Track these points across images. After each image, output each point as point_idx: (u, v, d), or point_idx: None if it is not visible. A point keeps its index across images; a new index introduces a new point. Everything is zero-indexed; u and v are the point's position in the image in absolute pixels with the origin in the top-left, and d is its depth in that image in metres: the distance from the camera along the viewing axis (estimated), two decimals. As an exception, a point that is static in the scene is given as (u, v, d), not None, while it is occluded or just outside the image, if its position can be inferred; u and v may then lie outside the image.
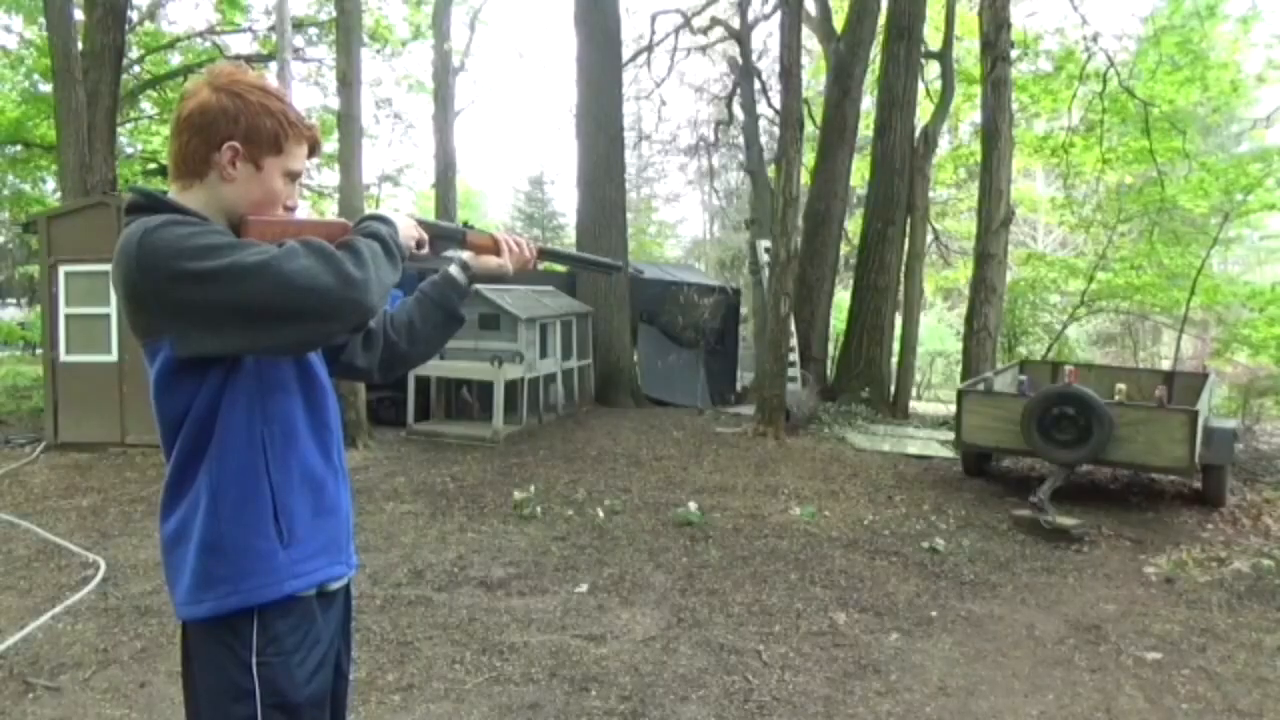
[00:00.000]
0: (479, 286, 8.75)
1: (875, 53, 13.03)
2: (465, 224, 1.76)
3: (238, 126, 1.40)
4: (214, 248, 1.28)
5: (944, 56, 12.81)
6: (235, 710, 1.39)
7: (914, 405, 12.96)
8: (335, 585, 1.56)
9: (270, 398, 1.43)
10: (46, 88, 13.37)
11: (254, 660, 1.39)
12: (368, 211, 1.56)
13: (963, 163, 19.03)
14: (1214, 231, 13.15)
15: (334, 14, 10.20)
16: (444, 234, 1.70)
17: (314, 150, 1.53)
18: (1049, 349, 14.96)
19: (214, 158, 1.41)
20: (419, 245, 1.62)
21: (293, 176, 1.50)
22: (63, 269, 7.89)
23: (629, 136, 16.83)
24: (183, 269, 1.26)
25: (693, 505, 5.90)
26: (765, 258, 10.85)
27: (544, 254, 1.92)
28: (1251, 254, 24.64)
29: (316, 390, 1.52)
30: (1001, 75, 10.91)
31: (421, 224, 1.63)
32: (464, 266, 1.72)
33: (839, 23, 13.10)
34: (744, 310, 16.06)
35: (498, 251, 1.75)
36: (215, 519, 1.38)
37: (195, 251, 1.26)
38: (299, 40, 15.86)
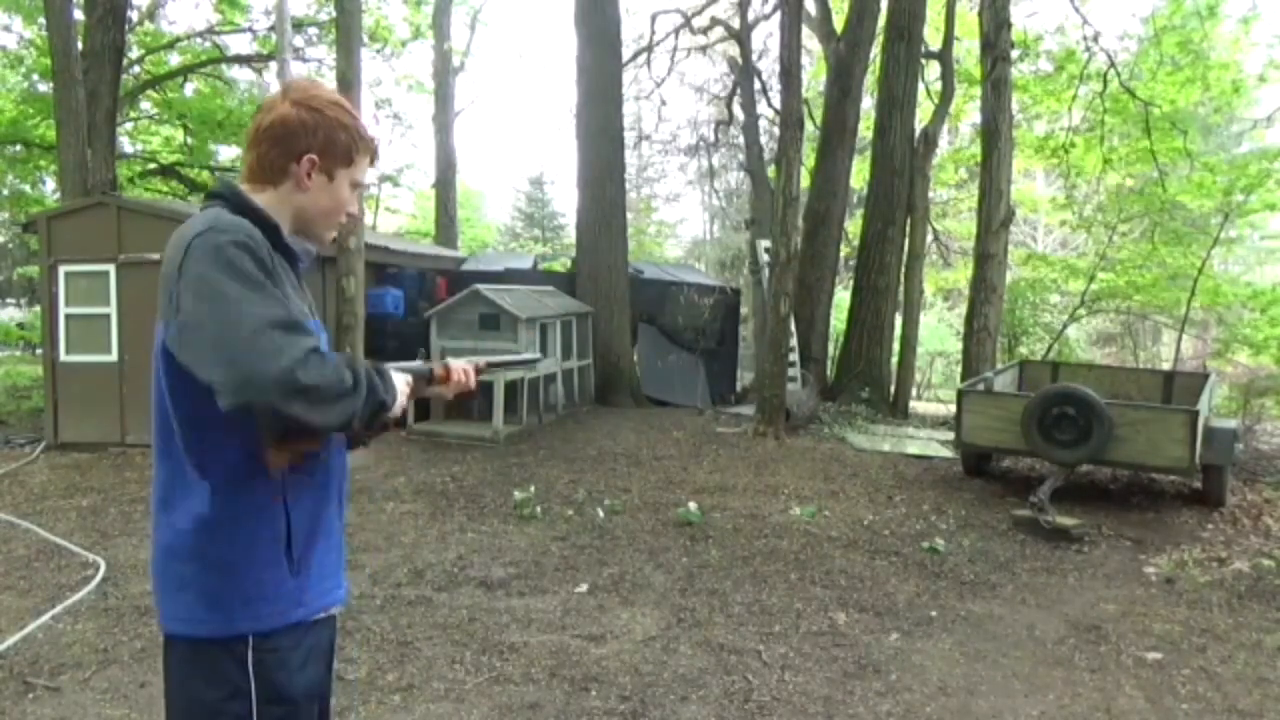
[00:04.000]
0: (479, 287, 8.79)
1: (875, 53, 13.02)
2: (433, 360, 1.68)
3: (316, 139, 1.48)
4: (245, 276, 1.29)
5: (944, 56, 12.80)
6: (230, 707, 1.40)
7: (914, 405, 12.95)
8: (334, 610, 1.57)
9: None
10: (46, 87, 13.38)
11: (250, 656, 1.40)
12: (408, 365, 1.54)
13: (963, 163, 19.03)
14: (1215, 231, 13.15)
15: (334, 14, 10.20)
16: (418, 376, 1.60)
17: (374, 160, 1.60)
18: (1049, 349, 14.95)
19: (292, 168, 1.48)
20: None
21: (356, 186, 1.57)
22: (63, 269, 7.89)
23: (629, 136, 16.84)
24: (207, 275, 1.28)
25: (693, 505, 5.90)
26: (765, 258, 10.85)
27: (486, 368, 1.79)
28: (1252, 254, 24.63)
29: None
30: (1002, 75, 10.92)
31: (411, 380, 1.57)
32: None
33: (839, 23, 13.09)
34: (744, 310, 16.04)
35: (447, 380, 1.65)
36: (229, 542, 1.38)
37: (230, 268, 1.28)
38: (299, 40, 15.85)
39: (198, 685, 1.42)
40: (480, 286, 8.76)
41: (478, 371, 1.71)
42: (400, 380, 1.49)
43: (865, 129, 13.78)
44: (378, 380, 1.38)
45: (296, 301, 1.43)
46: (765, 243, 11.07)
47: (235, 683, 1.40)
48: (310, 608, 1.48)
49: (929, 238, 15.26)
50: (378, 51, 17.85)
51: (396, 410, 1.45)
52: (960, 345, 12.58)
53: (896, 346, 12.42)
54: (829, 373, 12.53)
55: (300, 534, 1.45)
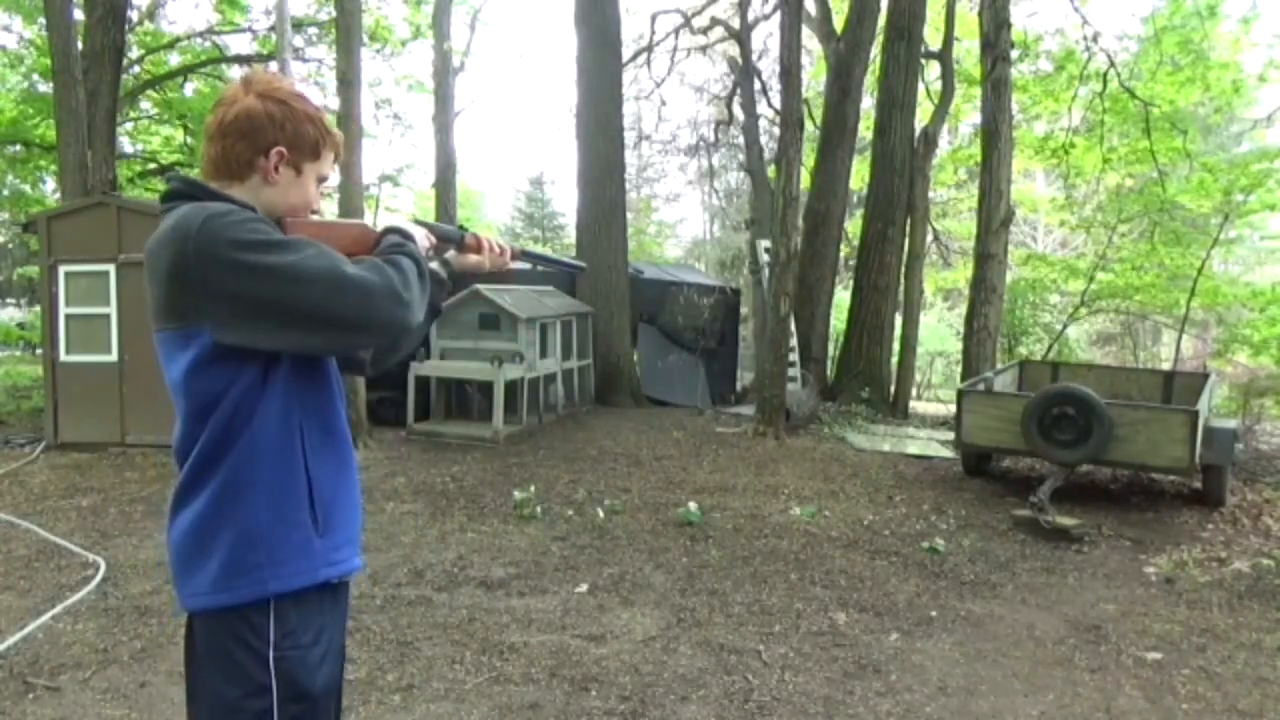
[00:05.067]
0: (479, 287, 8.78)
1: (875, 53, 13.03)
2: (461, 226, 1.80)
3: (284, 133, 1.47)
4: (275, 243, 1.33)
5: (944, 56, 12.80)
6: (250, 704, 1.40)
7: (914, 405, 12.95)
8: (353, 576, 1.60)
9: (309, 388, 1.47)
10: (46, 87, 13.37)
11: (271, 654, 1.40)
12: (391, 224, 1.60)
13: (963, 163, 19.02)
14: (1215, 232, 13.15)
15: (334, 14, 10.20)
16: (445, 237, 1.74)
17: (337, 156, 1.60)
18: (1049, 349, 14.96)
19: (259, 162, 1.47)
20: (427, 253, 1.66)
21: (321, 181, 1.59)
22: (63, 269, 7.89)
23: (629, 136, 16.83)
24: (242, 260, 1.30)
25: (693, 505, 5.90)
26: (765, 258, 10.85)
27: (521, 255, 1.95)
28: (1252, 254, 24.63)
29: (339, 384, 1.58)
30: (1001, 75, 10.91)
31: (428, 229, 1.68)
32: (445, 264, 1.74)
33: (839, 23, 13.09)
34: (744, 310, 16.05)
35: (479, 250, 1.78)
36: (253, 507, 1.40)
37: (256, 245, 1.31)
38: (299, 40, 15.85)
39: (219, 661, 1.41)
40: (480, 286, 8.76)
41: (513, 254, 1.83)
42: (419, 232, 1.61)
43: (865, 129, 13.78)
44: (411, 246, 1.52)
45: None
46: (765, 243, 11.07)
47: (256, 679, 1.40)
48: (338, 567, 1.49)
49: (929, 238, 15.26)
50: (378, 51, 17.84)
51: (424, 248, 1.60)
52: (960, 345, 12.58)
53: (896, 346, 12.42)
54: (829, 373, 12.53)
55: (322, 493, 1.46)
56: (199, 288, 1.32)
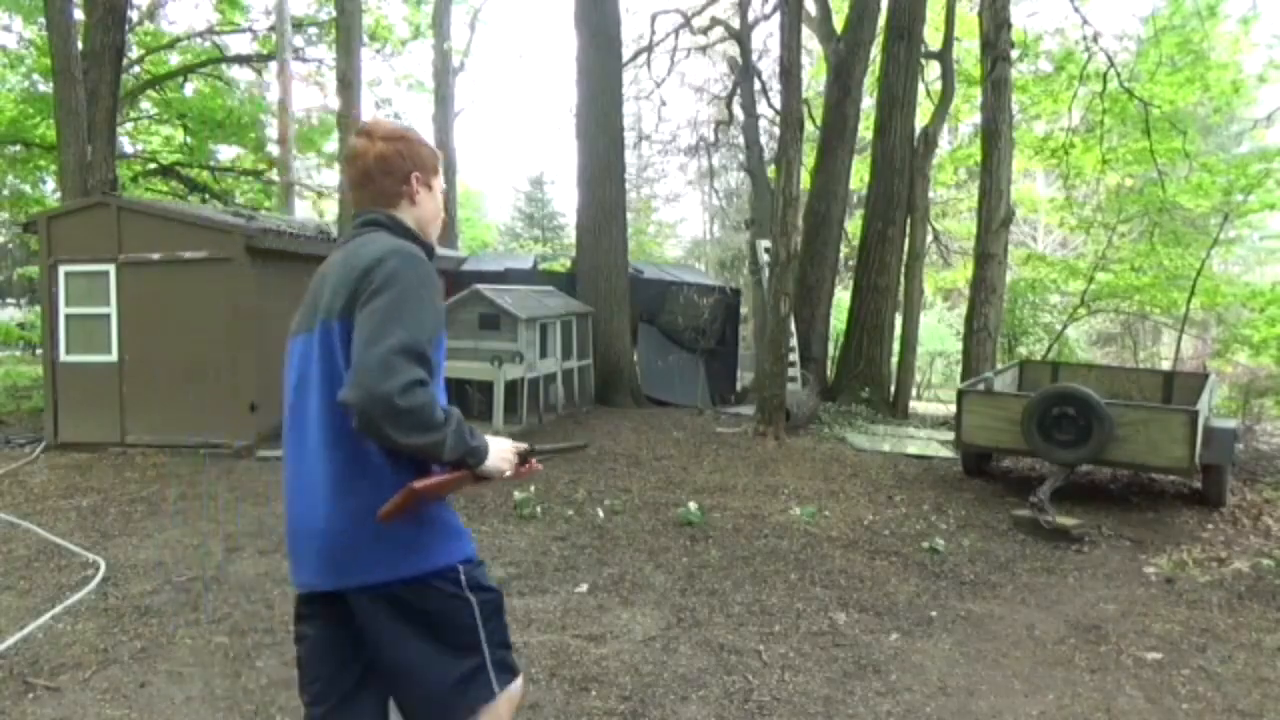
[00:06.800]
0: (479, 287, 8.79)
1: (875, 53, 13.03)
2: (531, 448, 1.94)
3: (413, 162, 1.88)
4: (426, 307, 1.65)
5: (944, 56, 12.80)
6: (460, 607, 1.82)
7: (914, 405, 12.95)
8: None
9: (440, 393, 1.77)
10: (46, 87, 13.38)
11: (462, 571, 1.84)
12: (495, 440, 1.82)
13: (963, 163, 19.03)
14: (1214, 232, 13.16)
15: (334, 14, 10.20)
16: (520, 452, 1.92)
17: (444, 166, 2.06)
18: (1049, 349, 14.96)
19: (404, 189, 1.88)
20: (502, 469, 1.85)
21: (443, 191, 1.99)
22: (63, 269, 7.89)
23: (629, 136, 16.82)
24: (395, 311, 1.61)
25: (693, 505, 5.89)
26: (765, 258, 10.85)
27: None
28: (1252, 254, 24.63)
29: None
30: (1001, 75, 10.91)
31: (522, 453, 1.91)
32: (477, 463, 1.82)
33: (839, 23, 13.09)
34: (744, 310, 16.05)
35: (523, 469, 1.94)
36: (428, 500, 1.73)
37: (414, 313, 1.62)
38: (299, 40, 15.84)
39: (422, 617, 1.77)
40: (480, 286, 8.76)
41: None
42: (504, 444, 1.82)
43: (865, 129, 13.78)
44: (466, 429, 1.68)
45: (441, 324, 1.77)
46: (765, 243, 11.07)
47: (458, 595, 1.81)
48: (474, 543, 1.95)
49: (929, 238, 15.26)
50: (378, 51, 17.86)
51: (490, 467, 1.76)
52: (960, 345, 12.58)
53: (896, 346, 12.42)
54: (829, 373, 12.53)
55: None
56: (351, 301, 1.65)
